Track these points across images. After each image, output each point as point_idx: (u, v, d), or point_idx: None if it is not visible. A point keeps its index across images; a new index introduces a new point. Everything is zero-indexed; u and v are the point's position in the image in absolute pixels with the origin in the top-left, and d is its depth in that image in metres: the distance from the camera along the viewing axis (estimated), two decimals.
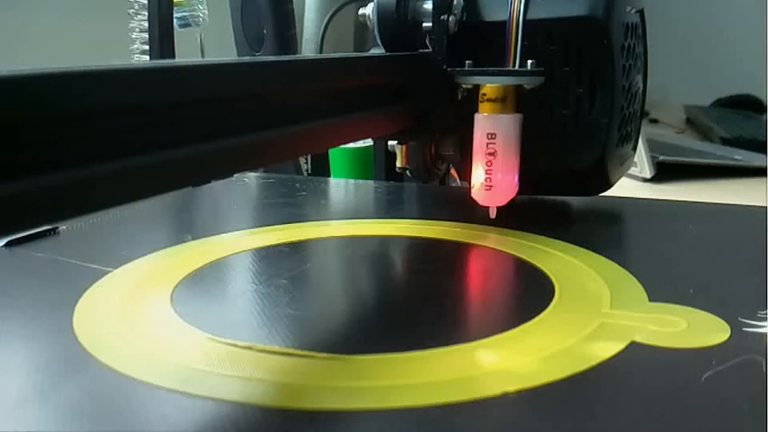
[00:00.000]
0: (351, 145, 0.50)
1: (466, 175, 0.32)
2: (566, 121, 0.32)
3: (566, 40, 0.31)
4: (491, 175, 0.31)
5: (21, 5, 0.71)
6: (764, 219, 0.31)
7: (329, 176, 0.55)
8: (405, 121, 0.32)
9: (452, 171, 0.41)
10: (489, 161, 0.30)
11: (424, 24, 0.32)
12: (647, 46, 0.36)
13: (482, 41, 0.32)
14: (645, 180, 0.73)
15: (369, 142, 0.47)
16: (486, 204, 0.31)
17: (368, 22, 0.33)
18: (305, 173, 0.62)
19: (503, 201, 0.31)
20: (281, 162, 0.22)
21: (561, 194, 0.36)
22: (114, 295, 0.23)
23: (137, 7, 0.56)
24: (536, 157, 0.31)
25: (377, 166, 0.44)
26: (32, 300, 0.24)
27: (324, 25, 0.71)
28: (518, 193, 0.31)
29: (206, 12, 0.65)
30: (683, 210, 0.35)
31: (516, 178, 0.31)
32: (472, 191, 0.32)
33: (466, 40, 0.32)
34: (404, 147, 0.35)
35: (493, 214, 0.32)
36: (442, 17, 0.32)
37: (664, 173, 0.73)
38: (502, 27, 0.31)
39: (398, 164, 0.35)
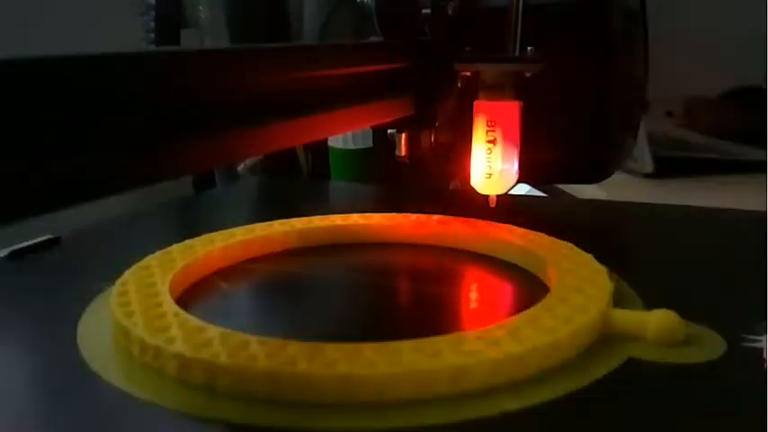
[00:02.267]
0: (351, 146, 0.49)
1: (466, 163, 0.32)
2: (565, 108, 0.32)
3: (566, 25, 0.31)
4: (491, 164, 0.31)
5: (24, 3, 0.70)
6: (765, 225, 0.31)
7: (330, 178, 0.54)
8: (404, 108, 0.32)
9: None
10: (489, 149, 0.30)
11: (423, 11, 0.32)
12: (647, 32, 0.36)
13: (482, 28, 0.32)
14: (645, 176, 0.73)
15: (369, 143, 0.47)
16: (485, 193, 0.31)
17: (365, 3, 0.33)
18: (306, 168, 0.61)
19: (503, 189, 0.31)
20: (283, 148, 0.22)
21: (561, 182, 0.36)
22: (117, 307, 0.22)
23: (143, 8, 0.55)
24: (536, 145, 0.31)
25: (377, 163, 0.44)
26: (35, 313, 0.23)
27: (321, 24, 0.71)
28: (518, 182, 0.31)
29: (205, 13, 0.64)
30: (683, 214, 0.35)
31: (516, 166, 0.31)
32: (472, 179, 0.31)
33: (466, 27, 0.32)
34: (403, 135, 0.35)
35: (493, 203, 0.31)
36: (441, 3, 0.31)
37: (664, 168, 0.73)
38: (502, 13, 0.31)
39: (398, 152, 0.35)
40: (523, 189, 0.57)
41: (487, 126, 0.30)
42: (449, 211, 0.31)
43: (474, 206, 0.30)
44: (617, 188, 0.68)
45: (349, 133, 0.43)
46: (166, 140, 0.18)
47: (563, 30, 0.31)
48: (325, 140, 0.45)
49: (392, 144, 0.36)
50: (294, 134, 0.25)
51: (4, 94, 0.14)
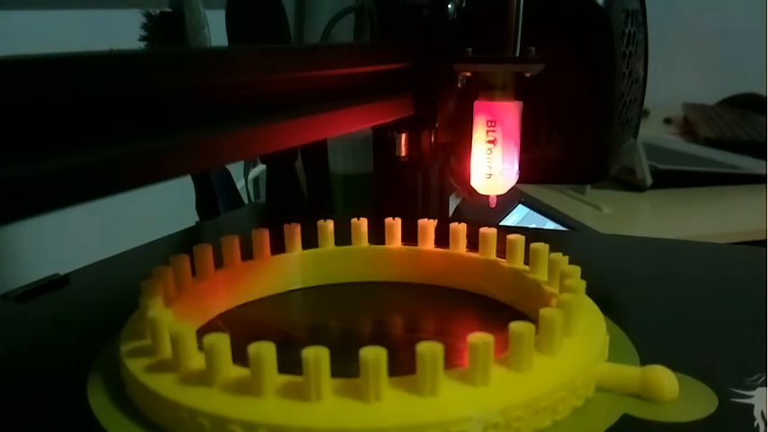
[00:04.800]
0: (352, 171, 0.48)
1: (465, 163, 0.32)
2: (565, 107, 0.32)
3: (566, 26, 0.31)
4: (491, 164, 0.31)
5: (29, 28, 0.70)
6: (765, 262, 0.30)
7: (331, 203, 0.53)
8: (404, 108, 0.32)
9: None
10: (489, 149, 0.30)
11: (424, 11, 0.32)
12: (647, 33, 0.36)
13: (482, 28, 0.32)
14: (643, 189, 0.73)
15: (370, 168, 0.46)
16: (485, 193, 0.31)
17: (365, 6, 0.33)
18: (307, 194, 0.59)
19: (503, 189, 0.31)
20: (283, 148, 0.22)
21: (561, 182, 0.36)
22: (130, 352, 0.21)
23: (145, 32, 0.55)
24: (536, 145, 0.31)
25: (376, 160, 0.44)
26: (45, 360, 0.23)
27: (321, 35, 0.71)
28: (517, 182, 0.31)
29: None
30: (682, 249, 0.34)
31: (516, 166, 0.31)
32: (471, 180, 0.31)
33: (466, 27, 0.32)
34: (403, 135, 0.35)
35: (493, 203, 0.31)
36: (441, 4, 0.32)
37: (663, 180, 0.73)
38: (502, 14, 0.31)
39: (398, 152, 0.35)
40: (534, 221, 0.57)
41: (487, 126, 0.30)
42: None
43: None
44: (617, 201, 0.69)
45: (350, 157, 0.43)
46: (166, 139, 0.18)
47: (563, 30, 0.31)
48: (327, 166, 0.44)
49: (392, 147, 0.35)
50: (294, 134, 0.25)
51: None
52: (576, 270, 0.23)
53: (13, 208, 0.14)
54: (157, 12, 0.44)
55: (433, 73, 0.32)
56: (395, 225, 0.29)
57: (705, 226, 0.65)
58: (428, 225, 0.29)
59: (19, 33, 0.59)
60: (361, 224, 0.30)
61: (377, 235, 0.31)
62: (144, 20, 0.43)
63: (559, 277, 0.23)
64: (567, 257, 0.24)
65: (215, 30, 0.44)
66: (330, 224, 0.30)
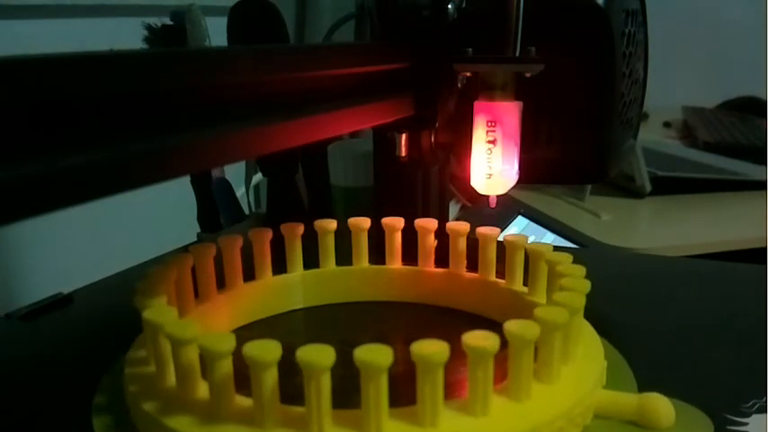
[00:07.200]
0: (352, 184, 0.48)
1: (465, 163, 0.32)
2: (565, 108, 0.32)
3: (566, 25, 0.31)
4: (491, 164, 0.31)
5: (34, 37, 0.70)
6: (765, 283, 0.30)
7: (332, 215, 0.52)
8: (404, 108, 0.32)
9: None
10: (489, 149, 0.30)
11: (424, 11, 0.32)
12: (647, 33, 0.36)
13: (482, 28, 0.32)
14: (642, 196, 0.73)
15: (370, 182, 0.46)
16: (485, 193, 0.31)
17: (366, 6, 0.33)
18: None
19: (503, 189, 0.31)
20: (283, 148, 0.22)
21: (561, 183, 0.36)
22: (133, 377, 0.21)
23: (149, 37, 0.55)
24: (535, 145, 0.31)
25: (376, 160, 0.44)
26: (49, 382, 0.23)
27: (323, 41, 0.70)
28: (518, 182, 0.31)
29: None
30: (686, 269, 0.34)
31: (516, 166, 0.31)
32: (471, 180, 0.31)
33: (466, 27, 0.32)
34: (404, 135, 0.35)
35: (493, 203, 0.31)
36: (441, 4, 0.31)
37: (662, 186, 0.73)
38: (502, 14, 0.31)
39: (398, 152, 0.35)
40: (547, 238, 0.56)
41: (487, 126, 0.30)
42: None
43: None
44: (616, 208, 0.69)
45: (350, 170, 0.43)
46: (166, 139, 0.18)
47: (563, 29, 0.31)
48: (327, 178, 0.45)
49: (392, 147, 0.35)
50: (294, 134, 0.25)
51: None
52: (574, 296, 0.22)
53: (13, 208, 0.14)
54: (159, 24, 0.44)
55: (433, 73, 0.32)
56: (395, 238, 0.29)
57: (704, 233, 0.65)
58: (429, 236, 0.29)
59: (24, 42, 0.59)
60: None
61: (377, 236, 0.31)
62: (146, 33, 0.43)
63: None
64: (567, 278, 0.24)
65: (215, 38, 0.44)
66: (332, 239, 0.30)
